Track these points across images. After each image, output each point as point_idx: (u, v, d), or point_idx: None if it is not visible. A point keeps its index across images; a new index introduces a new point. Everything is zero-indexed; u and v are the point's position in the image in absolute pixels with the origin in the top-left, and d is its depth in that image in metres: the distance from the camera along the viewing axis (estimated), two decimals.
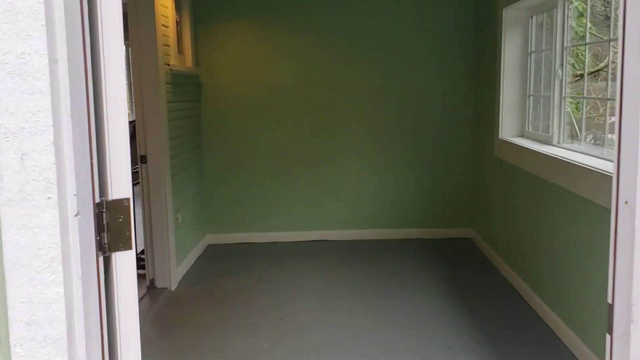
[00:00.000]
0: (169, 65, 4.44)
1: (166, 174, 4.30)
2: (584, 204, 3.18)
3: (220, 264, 5.03)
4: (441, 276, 4.61)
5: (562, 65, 3.91)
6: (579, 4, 3.86)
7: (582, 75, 4.22)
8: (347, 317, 3.87)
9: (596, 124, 5.09)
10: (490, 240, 5.03)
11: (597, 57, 5.40)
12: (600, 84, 5.38)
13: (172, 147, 4.52)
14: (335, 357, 3.34)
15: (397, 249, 5.38)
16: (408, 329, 3.66)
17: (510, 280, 4.40)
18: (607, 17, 4.51)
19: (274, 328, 3.72)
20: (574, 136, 4.21)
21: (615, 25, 3.33)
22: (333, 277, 4.64)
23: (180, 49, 4.81)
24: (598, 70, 5.48)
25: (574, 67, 4.19)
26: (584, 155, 3.50)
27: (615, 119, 1.25)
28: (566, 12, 3.88)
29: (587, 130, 4.39)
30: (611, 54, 3.56)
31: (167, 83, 4.41)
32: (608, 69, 3.91)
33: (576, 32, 3.99)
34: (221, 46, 5.43)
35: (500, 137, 4.64)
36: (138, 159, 4.28)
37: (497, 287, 4.38)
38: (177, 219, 4.62)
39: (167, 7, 4.42)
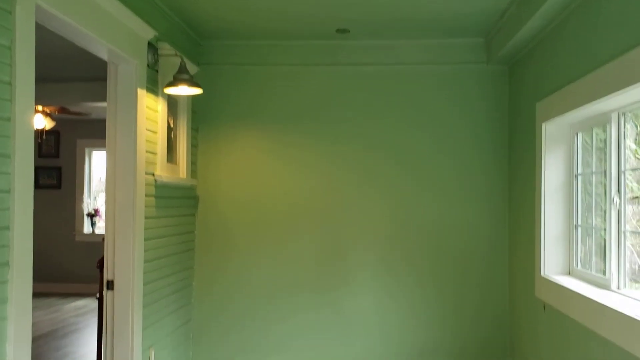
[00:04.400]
0: (153, 175, 3.87)
1: (136, 304, 3.58)
2: None
3: None
4: None
5: (619, 192, 3.18)
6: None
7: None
8: None
9: None
10: None
11: None
12: None
13: (149, 270, 3.83)
14: None
15: None
16: None
17: None
18: None
19: None
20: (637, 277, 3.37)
21: None
22: None
23: (172, 158, 4.25)
24: None
25: (632, 189, 3.44)
26: None
27: None
28: (622, 130, 3.21)
29: None
30: None
31: (149, 195, 3.81)
32: None
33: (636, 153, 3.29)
34: (223, 157, 4.86)
35: (542, 274, 3.83)
36: (105, 285, 3.60)
37: None
38: (149, 358, 3.84)
39: (156, 111, 3.91)
